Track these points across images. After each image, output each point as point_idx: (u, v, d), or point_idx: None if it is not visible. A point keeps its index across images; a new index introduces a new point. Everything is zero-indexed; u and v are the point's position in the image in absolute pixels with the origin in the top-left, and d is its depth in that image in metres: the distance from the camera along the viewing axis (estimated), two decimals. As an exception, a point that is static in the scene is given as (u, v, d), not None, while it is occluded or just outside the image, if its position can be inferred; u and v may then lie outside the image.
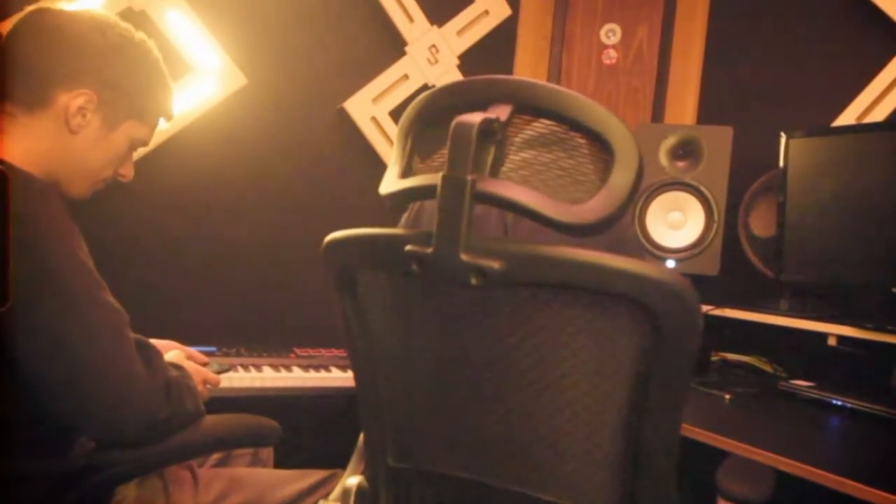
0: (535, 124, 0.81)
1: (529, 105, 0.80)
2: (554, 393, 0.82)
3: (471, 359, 0.86)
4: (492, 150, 0.78)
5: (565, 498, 0.86)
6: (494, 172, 0.78)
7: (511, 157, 0.80)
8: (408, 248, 0.80)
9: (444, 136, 0.85)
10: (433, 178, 0.79)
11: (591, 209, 0.76)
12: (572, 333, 0.80)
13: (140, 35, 1.35)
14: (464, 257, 0.77)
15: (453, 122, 0.77)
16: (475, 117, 0.76)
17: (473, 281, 0.77)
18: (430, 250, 0.79)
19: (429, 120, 0.87)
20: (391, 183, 0.88)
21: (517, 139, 0.81)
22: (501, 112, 0.78)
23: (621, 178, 0.76)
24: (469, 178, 0.76)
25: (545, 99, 0.79)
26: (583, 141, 0.79)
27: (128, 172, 1.39)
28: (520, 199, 0.77)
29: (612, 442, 0.82)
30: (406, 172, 0.88)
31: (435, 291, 0.86)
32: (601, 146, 0.78)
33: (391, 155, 0.91)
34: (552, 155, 0.80)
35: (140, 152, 1.40)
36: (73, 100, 1.26)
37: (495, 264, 0.76)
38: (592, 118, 0.78)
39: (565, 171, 0.79)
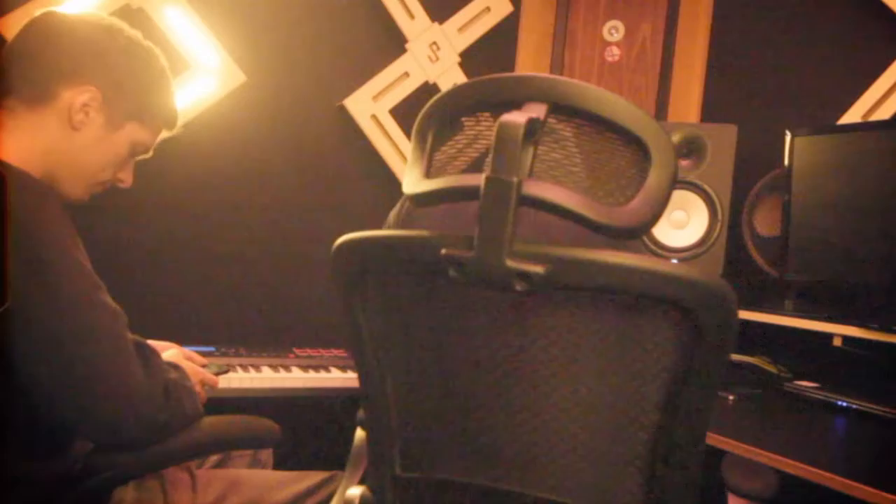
0: (567, 124, 0.79)
1: (565, 104, 0.78)
2: (583, 395, 0.82)
3: (497, 362, 0.85)
4: (531, 151, 0.76)
5: (589, 502, 0.85)
6: (531, 173, 0.77)
7: (542, 156, 0.79)
8: (445, 251, 0.79)
9: (449, 135, 0.84)
10: (473, 179, 0.78)
11: (633, 211, 0.75)
12: (606, 335, 0.79)
13: (148, 42, 1.36)
14: (509, 262, 0.76)
15: (498, 122, 0.76)
16: (520, 117, 0.75)
17: (518, 287, 0.76)
18: (471, 254, 0.77)
19: (451, 117, 0.86)
20: (417, 183, 0.86)
21: (549, 138, 0.80)
22: (538, 111, 0.77)
23: (659, 178, 0.76)
24: (515, 180, 0.75)
25: (580, 98, 0.78)
26: (617, 141, 0.78)
27: (127, 178, 1.39)
28: (566, 203, 0.76)
29: (639, 443, 0.82)
30: (428, 171, 0.86)
31: (461, 295, 0.85)
32: (637, 147, 0.77)
33: (411, 151, 0.89)
34: (584, 156, 0.79)
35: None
36: (78, 96, 1.26)
37: (539, 269, 0.75)
38: (627, 118, 0.77)
39: (598, 172, 0.79)
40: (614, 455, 0.83)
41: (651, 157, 0.76)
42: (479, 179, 0.76)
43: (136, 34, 1.35)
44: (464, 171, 0.85)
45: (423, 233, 0.85)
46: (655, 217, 0.76)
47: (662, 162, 0.76)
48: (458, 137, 0.86)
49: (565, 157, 0.79)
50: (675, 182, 0.77)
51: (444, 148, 0.86)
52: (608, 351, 0.80)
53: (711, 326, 0.75)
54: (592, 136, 0.79)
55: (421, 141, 0.87)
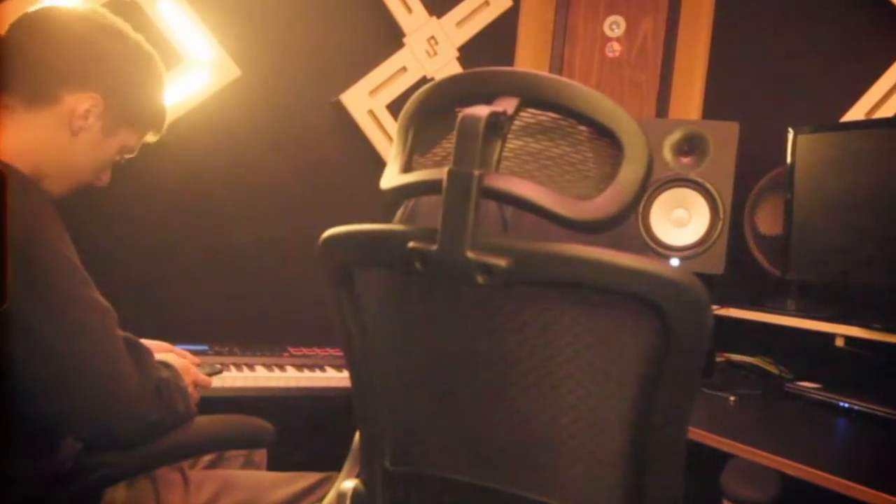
0: (541, 118, 0.80)
1: (536, 98, 0.79)
2: (558, 394, 0.81)
3: (472, 359, 0.86)
4: (498, 145, 0.77)
5: (570, 502, 0.85)
6: (498, 167, 0.78)
7: (516, 150, 0.80)
8: (411, 244, 0.79)
9: (446, 129, 0.84)
10: (438, 173, 0.78)
11: (601, 205, 0.75)
12: (578, 333, 0.79)
13: (149, 46, 1.38)
14: (470, 255, 0.76)
15: (460, 115, 0.76)
16: (482, 110, 0.76)
17: (480, 279, 0.76)
18: (434, 247, 0.78)
19: (431, 112, 0.87)
20: (392, 177, 0.87)
21: (522, 133, 0.80)
22: (508, 105, 0.77)
23: (631, 173, 0.76)
24: (476, 173, 0.75)
25: (552, 92, 0.78)
26: (590, 135, 0.78)
27: (106, 178, 1.41)
28: (528, 196, 0.76)
29: (618, 444, 0.82)
30: (407, 167, 0.87)
31: (436, 289, 0.86)
32: (609, 141, 0.77)
33: (391, 148, 0.90)
34: (558, 150, 0.80)
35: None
36: (81, 103, 1.27)
37: (502, 262, 0.75)
38: (600, 112, 0.77)
39: (572, 166, 0.79)
40: (596, 456, 0.83)
41: (624, 151, 0.76)
42: (444, 173, 0.77)
43: (139, 38, 1.36)
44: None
45: (396, 227, 0.86)
46: (625, 211, 0.76)
47: (635, 156, 0.76)
48: (439, 133, 0.86)
49: (538, 150, 0.80)
50: (650, 176, 0.77)
51: (423, 144, 0.87)
52: (581, 349, 0.80)
53: (682, 325, 0.74)
54: (566, 130, 0.79)
55: (402, 137, 0.88)
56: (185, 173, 2.27)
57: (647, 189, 0.77)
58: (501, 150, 0.77)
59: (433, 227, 0.79)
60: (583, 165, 0.79)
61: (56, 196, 1.32)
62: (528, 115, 0.80)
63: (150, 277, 2.24)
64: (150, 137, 1.44)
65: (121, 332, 1.21)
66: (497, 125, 0.76)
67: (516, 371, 0.83)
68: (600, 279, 0.75)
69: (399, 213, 1.55)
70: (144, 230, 2.24)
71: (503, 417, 0.86)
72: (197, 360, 1.52)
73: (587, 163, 0.79)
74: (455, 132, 0.77)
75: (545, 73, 0.80)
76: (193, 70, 2.21)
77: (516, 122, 0.80)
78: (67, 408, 1.16)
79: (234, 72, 2.27)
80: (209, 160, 2.29)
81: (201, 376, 1.47)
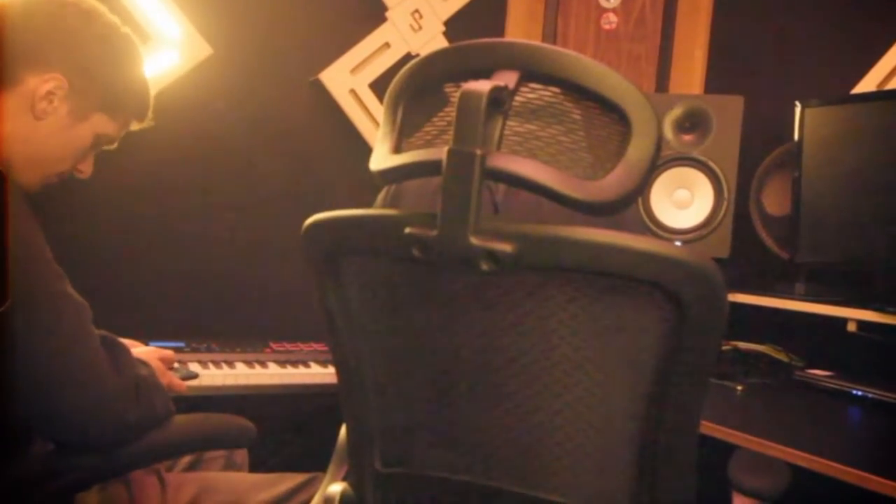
0: (543, 92, 0.79)
1: (537, 71, 0.78)
2: (566, 385, 0.82)
3: (473, 351, 0.86)
4: (500, 122, 0.76)
5: (578, 499, 0.86)
6: (500, 146, 0.77)
7: (516, 128, 0.79)
8: (408, 230, 0.79)
9: (436, 107, 0.84)
10: (434, 153, 0.78)
11: (610, 185, 0.75)
12: (587, 321, 0.79)
13: (126, 29, 1.37)
14: (473, 240, 0.75)
15: (460, 91, 0.76)
16: (483, 85, 0.75)
17: (484, 266, 0.76)
18: (434, 233, 0.77)
19: (422, 88, 0.86)
20: (383, 158, 0.86)
21: (522, 109, 0.80)
22: (508, 79, 0.77)
23: (640, 150, 0.75)
24: (478, 152, 0.75)
25: (554, 65, 0.78)
26: (596, 111, 0.78)
27: (86, 169, 1.39)
28: (534, 176, 0.75)
29: (627, 438, 0.82)
30: (398, 147, 0.86)
31: (433, 277, 0.85)
32: (616, 116, 0.77)
33: (380, 128, 0.89)
34: (562, 126, 0.79)
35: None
36: (43, 84, 1.26)
37: (508, 247, 0.75)
38: (606, 85, 0.77)
39: (576, 144, 0.79)
40: (604, 449, 0.83)
41: (632, 127, 0.76)
42: (442, 153, 0.76)
43: (114, 20, 1.35)
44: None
45: (390, 211, 0.86)
46: (635, 191, 0.76)
47: (644, 131, 0.75)
48: (431, 110, 0.86)
49: (541, 128, 0.79)
50: (659, 153, 0.77)
51: (415, 122, 0.87)
52: (588, 339, 0.80)
53: (697, 310, 0.74)
54: (569, 106, 0.79)
55: (391, 115, 0.87)
56: (155, 159, 2.25)
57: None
58: (503, 129, 0.77)
59: (431, 210, 0.78)
60: (589, 143, 0.79)
61: (29, 188, 1.30)
62: (528, 90, 0.79)
63: (120, 270, 2.23)
64: (135, 125, 1.43)
65: (96, 330, 1.20)
66: (499, 101, 0.76)
67: (521, 362, 0.83)
68: (612, 263, 0.75)
69: (380, 197, 1.55)
70: (113, 220, 2.23)
71: (504, 413, 0.86)
72: (174, 357, 1.52)
73: (593, 140, 0.79)
74: (455, 109, 0.76)
75: (545, 45, 0.79)
76: (161, 49, 2.19)
77: (516, 97, 0.79)
78: (40, 408, 1.15)
79: (205, 50, 2.25)
80: (180, 145, 2.28)
81: (175, 380, 1.47)
